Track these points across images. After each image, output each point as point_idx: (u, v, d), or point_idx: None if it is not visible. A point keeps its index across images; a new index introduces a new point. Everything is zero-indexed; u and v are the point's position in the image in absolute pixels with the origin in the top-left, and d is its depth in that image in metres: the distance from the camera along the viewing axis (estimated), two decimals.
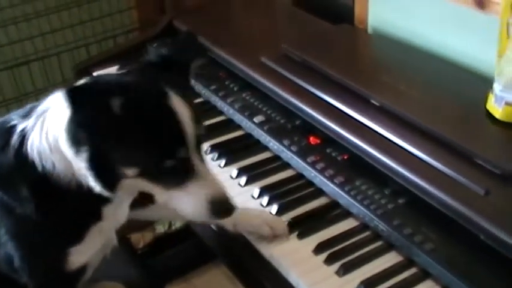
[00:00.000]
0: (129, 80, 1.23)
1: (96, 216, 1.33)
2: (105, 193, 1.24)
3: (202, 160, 1.23)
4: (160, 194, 1.23)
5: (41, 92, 2.53)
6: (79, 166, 1.22)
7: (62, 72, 2.64)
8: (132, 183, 1.23)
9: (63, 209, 1.29)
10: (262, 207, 1.53)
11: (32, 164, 1.25)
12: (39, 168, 1.25)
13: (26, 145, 1.26)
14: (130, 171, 1.19)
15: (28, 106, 1.33)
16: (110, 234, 1.47)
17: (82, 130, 1.16)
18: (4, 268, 1.38)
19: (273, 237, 1.42)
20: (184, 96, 1.22)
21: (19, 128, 1.28)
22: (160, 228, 2.73)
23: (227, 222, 1.46)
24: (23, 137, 1.27)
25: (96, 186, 1.22)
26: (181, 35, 1.52)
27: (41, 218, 1.29)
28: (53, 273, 1.39)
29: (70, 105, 1.12)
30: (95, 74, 2.13)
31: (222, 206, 1.24)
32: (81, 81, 1.23)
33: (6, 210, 1.31)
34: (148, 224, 2.65)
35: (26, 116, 1.30)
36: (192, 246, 2.54)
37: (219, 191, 1.24)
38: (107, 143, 1.17)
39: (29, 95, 2.55)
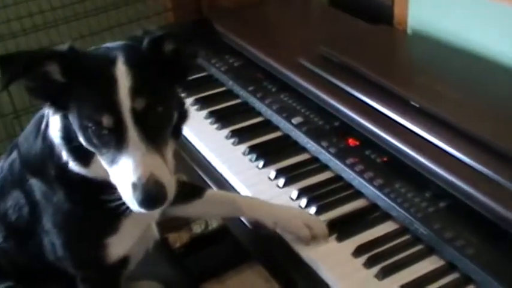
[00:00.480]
0: (88, 50, 1.25)
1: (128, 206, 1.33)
2: (80, 169, 1.26)
3: (148, 140, 1.15)
4: (109, 171, 1.19)
5: None
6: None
7: None
8: (98, 159, 1.22)
9: (92, 198, 1.30)
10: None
11: (54, 148, 1.29)
12: (56, 148, 1.28)
13: (48, 131, 1.30)
14: (80, 137, 1.20)
15: None
16: (149, 227, 1.48)
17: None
18: (51, 257, 1.41)
19: (311, 239, 1.42)
20: (147, 70, 1.19)
21: (46, 112, 1.32)
22: (197, 228, 2.74)
23: (268, 221, 1.46)
24: (47, 124, 1.31)
25: (70, 160, 1.25)
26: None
27: (73, 207, 1.31)
28: (95, 264, 1.41)
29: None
30: None
31: (147, 191, 1.13)
32: None
33: (45, 198, 1.35)
34: (185, 224, 2.66)
35: None
36: (228, 246, 2.54)
37: (148, 172, 1.13)
38: (58, 109, 1.21)
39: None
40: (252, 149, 1.73)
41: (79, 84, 1.17)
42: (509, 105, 1.62)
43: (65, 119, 1.24)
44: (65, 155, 1.26)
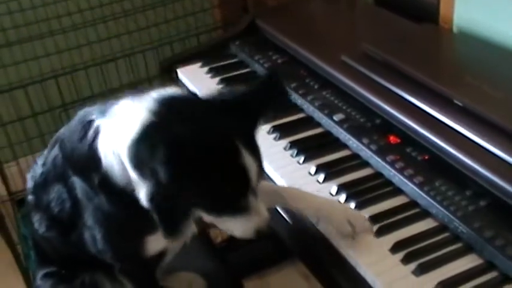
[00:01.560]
0: (202, 127, 1.24)
1: None
2: (167, 237, 1.31)
3: (256, 194, 1.27)
4: (217, 222, 1.29)
5: (126, 88, 2.60)
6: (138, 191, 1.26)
7: (147, 69, 2.71)
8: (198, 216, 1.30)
9: (134, 205, 1.31)
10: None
11: (101, 163, 1.30)
12: (104, 166, 1.30)
13: (97, 142, 1.31)
14: (197, 214, 1.28)
15: (108, 102, 1.36)
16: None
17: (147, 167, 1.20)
18: (92, 249, 1.45)
19: (353, 236, 1.41)
20: (251, 141, 1.27)
21: (95, 124, 1.33)
22: None
23: (310, 213, 1.47)
24: (97, 133, 1.32)
25: (157, 221, 1.27)
26: (264, 74, 1.53)
27: (113, 210, 1.35)
28: (133, 259, 1.46)
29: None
30: (178, 72, 2.18)
31: (260, 230, 1.29)
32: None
33: (87, 196, 1.38)
34: None
35: (103, 113, 1.34)
36: (269, 243, 2.55)
37: (264, 221, 1.28)
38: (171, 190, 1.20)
39: (115, 91, 2.63)
40: (293, 145, 1.74)
41: (200, 173, 1.18)
42: None
43: (158, 187, 1.20)
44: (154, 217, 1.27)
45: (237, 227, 1.28)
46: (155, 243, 1.42)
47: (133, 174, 1.24)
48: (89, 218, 1.40)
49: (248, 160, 1.22)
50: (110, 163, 1.28)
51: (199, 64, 2.21)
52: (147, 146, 1.18)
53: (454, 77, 1.76)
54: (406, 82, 1.72)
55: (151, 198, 1.21)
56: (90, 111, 1.38)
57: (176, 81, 2.18)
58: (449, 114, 1.57)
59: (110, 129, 1.30)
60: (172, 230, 1.29)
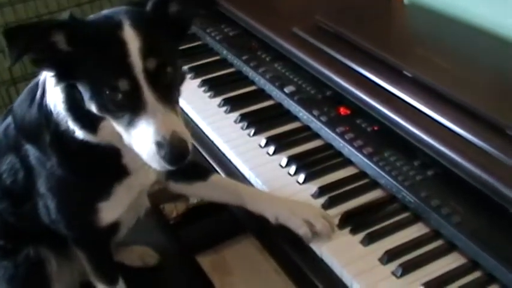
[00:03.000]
0: (90, 17, 1.24)
1: (122, 172, 1.35)
2: (88, 136, 1.26)
3: (163, 99, 1.17)
4: (124, 134, 1.21)
5: None
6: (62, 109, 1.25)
7: None
8: (107, 125, 1.23)
9: (86, 164, 1.32)
10: (299, 185, 1.51)
11: (51, 114, 1.29)
12: (55, 116, 1.28)
13: (45, 98, 1.30)
14: (91, 106, 1.19)
15: None
16: (140, 195, 1.49)
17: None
18: (45, 219, 1.43)
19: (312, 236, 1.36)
20: (153, 31, 1.20)
21: (40, 81, 1.33)
22: (194, 199, 2.75)
23: (269, 215, 1.42)
24: (44, 89, 1.31)
25: (76, 127, 1.25)
26: None
27: (66, 173, 1.33)
28: (86, 228, 1.43)
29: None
30: None
31: (173, 148, 1.15)
32: None
33: (40, 163, 1.36)
34: (181, 195, 2.67)
35: None
36: (224, 217, 2.54)
37: (171, 130, 1.15)
38: (64, 78, 1.20)
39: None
40: (244, 117, 1.74)
41: (87, 52, 1.17)
42: (502, 76, 1.61)
43: (68, 89, 1.24)
44: (69, 124, 1.26)
45: (139, 141, 1.18)
46: (108, 211, 1.39)
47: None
48: (41, 186, 1.38)
49: (129, 35, 1.15)
50: (59, 111, 1.27)
51: None
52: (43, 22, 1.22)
53: (404, 49, 1.76)
54: (357, 54, 1.71)
55: (66, 98, 1.22)
56: (38, 77, 1.37)
57: None
58: (399, 85, 1.57)
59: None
60: (90, 129, 1.25)
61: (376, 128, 1.56)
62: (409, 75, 1.60)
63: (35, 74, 1.38)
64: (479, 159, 1.33)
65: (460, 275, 1.23)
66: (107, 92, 1.15)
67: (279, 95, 1.77)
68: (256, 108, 1.79)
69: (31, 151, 1.38)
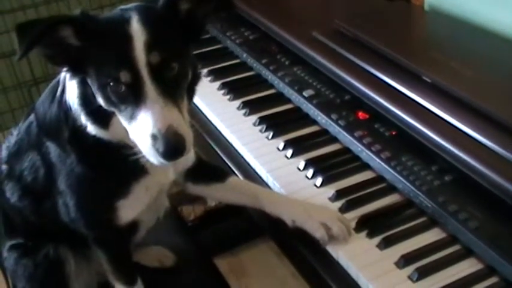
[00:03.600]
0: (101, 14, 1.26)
1: (140, 171, 1.36)
2: (99, 132, 1.28)
3: (165, 94, 1.17)
4: (129, 129, 1.22)
5: None
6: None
7: None
8: (118, 121, 1.24)
9: (104, 161, 1.34)
10: (316, 189, 1.51)
11: (70, 112, 1.31)
12: (73, 113, 1.31)
13: (65, 94, 1.32)
14: (98, 99, 1.22)
15: None
16: (160, 195, 1.51)
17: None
18: (64, 217, 1.45)
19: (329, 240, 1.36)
20: (161, 28, 1.21)
21: (61, 79, 1.35)
22: (211, 202, 2.76)
23: (287, 218, 1.42)
24: (64, 87, 1.33)
25: (88, 123, 1.27)
26: None
27: (85, 169, 1.35)
28: (105, 227, 1.45)
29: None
30: None
31: (168, 142, 1.15)
32: None
33: (60, 160, 1.38)
34: (199, 197, 2.68)
35: None
36: (242, 220, 2.55)
37: (167, 123, 1.15)
38: (76, 72, 1.23)
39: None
40: (262, 120, 1.74)
41: (94, 45, 1.19)
42: None
43: (82, 84, 1.26)
44: (83, 119, 1.28)
45: (136, 132, 1.19)
46: (126, 210, 1.41)
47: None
48: (61, 183, 1.40)
49: (135, 30, 1.16)
50: (76, 107, 1.29)
51: None
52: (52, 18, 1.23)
53: (423, 54, 1.76)
54: (376, 59, 1.72)
55: (80, 94, 1.25)
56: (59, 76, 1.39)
57: None
58: (418, 91, 1.57)
59: None
60: (101, 125, 1.28)
61: (394, 133, 1.57)
62: (428, 80, 1.60)
63: (56, 74, 1.40)
64: (497, 164, 1.33)
65: (476, 281, 1.23)
66: (111, 84, 1.17)
67: (297, 99, 1.78)
68: (275, 111, 1.79)
69: (52, 148, 1.40)
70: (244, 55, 2.02)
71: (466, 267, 1.26)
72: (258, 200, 1.49)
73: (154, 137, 1.15)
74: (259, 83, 1.92)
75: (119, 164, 1.35)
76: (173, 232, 2.07)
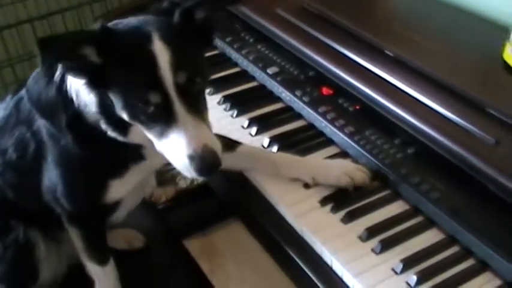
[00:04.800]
0: (119, 28, 1.23)
1: (138, 157, 1.36)
2: (118, 137, 1.28)
3: (193, 111, 1.18)
4: (156, 143, 1.23)
5: None
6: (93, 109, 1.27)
7: (81, 26, 2.64)
8: (138, 129, 1.24)
9: (103, 149, 1.33)
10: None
11: (71, 101, 1.30)
12: (76, 105, 1.30)
13: (66, 82, 1.30)
14: (123, 115, 1.21)
15: None
16: (149, 176, 1.51)
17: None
18: (47, 196, 1.44)
19: (353, 188, 1.40)
20: (182, 42, 1.20)
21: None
22: (182, 184, 2.75)
23: (304, 176, 1.44)
24: (63, 75, 1.31)
25: (108, 129, 1.27)
26: None
27: (79, 151, 1.34)
28: (91, 203, 1.44)
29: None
30: None
31: (204, 161, 1.17)
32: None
33: (53, 139, 1.37)
34: (170, 179, 2.67)
35: None
36: (213, 201, 2.55)
37: (202, 143, 1.17)
38: (98, 88, 1.22)
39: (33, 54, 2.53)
40: (227, 99, 1.74)
41: (118, 64, 1.18)
42: (482, 53, 1.61)
43: (100, 94, 1.24)
44: (102, 125, 1.28)
45: (171, 151, 1.20)
46: (117, 188, 1.40)
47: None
48: (52, 162, 1.39)
49: (159, 49, 1.16)
50: (82, 100, 1.28)
51: None
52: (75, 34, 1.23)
53: (386, 29, 1.77)
54: (340, 34, 1.72)
55: (99, 103, 1.24)
56: None
57: None
58: (380, 65, 1.58)
59: None
60: (121, 132, 1.28)
61: (358, 108, 1.57)
62: (391, 54, 1.60)
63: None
64: (458, 136, 1.34)
65: (438, 250, 1.24)
66: (139, 105, 1.17)
67: (262, 76, 1.77)
68: (240, 89, 1.79)
69: (45, 127, 1.39)
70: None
71: (429, 238, 1.28)
72: (274, 164, 1.48)
73: (191, 157, 1.16)
74: (223, 61, 1.91)
75: (116, 149, 1.34)
76: (143, 214, 2.06)
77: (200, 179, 2.67)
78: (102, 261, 1.56)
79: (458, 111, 1.39)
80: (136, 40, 1.19)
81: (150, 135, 1.22)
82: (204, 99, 1.26)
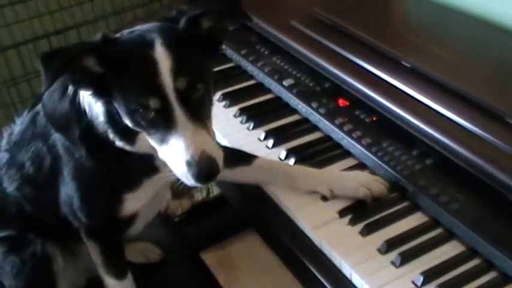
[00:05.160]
0: (121, 36, 1.24)
1: (152, 170, 1.37)
2: (126, 146, 1.29)
3: (193, 117, 1.18)
4: (158, 149, 1.23)
5: None
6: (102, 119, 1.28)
7: None
8: (144, 138, 1.24)
9: (117, 161, 1.34)
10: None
11: (84, 113, 1.31)
12: (89, 117, 1.31)
13: (78, 95, 1.32)
14: (127, 121, 1.21)
15: None
16: (164, 189, 1.51)
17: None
18: (64, 209, 1.45)
19: (372, 199, 1.40)
20: (185, 49, 1.20)
21: None
22: (198, 196, 2.76)
23: (322, 189, 1.43)
24: (77, 90, 1.32)
25: (115, 139, 1.28)
26: None
27: (92, 163, 1.35)
28: (105, 217, 1.45)
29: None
30: None
31: (202, 167, 1.16)
32: None
33: (68, 152, 1.39)
34: (186, 192, 2.68)
35: None
36: (229, 213, 2.54)
37: (200, 149, 1.17)
38: (103, 97, 1.23)
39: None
40: (243, 111, 1.74)
41: (119, 72, 1.19)
42: (500, 64, 1.61)
43: (107, 104, 1.25)
44: (110, 135, 1.29)
45: (170, 157, 1.20)
46: (132, 201, 1.41)
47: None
48: (68, 176, 1.40)
49: (160, 55, 1.16)
50: (94, 111, 1.29)
51: None
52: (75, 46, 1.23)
53: (402, 39, 1.76)
54: (355, 45, 1.72)
55: (106, 112, 1.24)
56: None
57: None
58: (397, 76, 1.57)
59: None
60: (128, 141, 1.28)
61: (374, 119, 1.56)
62: (407, 65, 1.60)
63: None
64: (476, 146, 1.33)
65: (458, 263, 1.23)
66: (140, 110, 1.18)
67: (277, 89, 1.77)
68: (255, 102, 1.79)
69: (59, 141, 1.40)
70: (223, 46, 2.01)
71: (448, 250, 1.26)
72: (291, 177, 1.47)
73: (188, 163, 1.16)
74: (239, 74, 1.91)
75: (130, 162, 1.35)
76: (160, 227, 2.06)
77: (215, 192, 2.70)
78: (120, 275, 1.56)
79: (477, 121, 1.38)
80: (137, 46, 1.19)
81: (152, 142, 1.22)
82: (208, 106, 1.25)
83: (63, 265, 1.59)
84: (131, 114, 1.20)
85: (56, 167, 1.43)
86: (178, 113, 1.16)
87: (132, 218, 1.49)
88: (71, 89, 1.33)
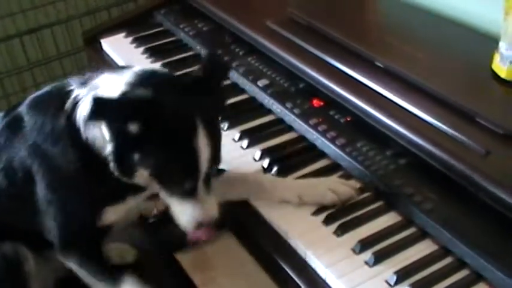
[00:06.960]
0: (159, 101, 1.24)
1: (139, 188, 1.36)
2: (123, 178, 1.29)
3: (207, 189, 1.29)
4: (167, 200, 1.31)
5: (53, 60, 2.55)
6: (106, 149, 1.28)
7: (70, 39, 2.64)
8: (143, 173, 1.26)
9: (106, 180, 1.32)
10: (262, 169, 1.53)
11: (79, 131, 1.30)
12: (83, 136, 1.30)
13: (76, 112, 1.31)
14: (144, 173, 1.25)
15: (88, 74, 1.37)
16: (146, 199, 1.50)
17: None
18: (39, 217, 1.42)
19: (342, 204, 1.40)
20: (212, 123, 1.28)
21: (74, 94, 1.33)
22: None
23: (291, 197, 1.43)
24: (75, 104, 1.32)
25: (114, 171, 1.28)
26: (204, 56, 1.56)
27: (83, 179, 1.35)
28: (84, 228, 1.43)
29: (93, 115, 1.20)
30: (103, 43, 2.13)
31: (205, 225, 1.31)
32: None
33: (51, 164, 1.36)
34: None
35: (83, 84, 1.34)
36: None
37: (209, 216, 1.30)
38: (127, 150, 1.24)
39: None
40: None
41: (159, 143, 1.22)
42: (471, 63, 1.62)
43: (121, 147, 1.25)
44: (111, 166, 1.28)
45: (182, 213, 1.30)
46: (112, 213, 1.40)
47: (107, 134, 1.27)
48: (46, 188, 1.38)
49: (202, 142, 1.22)
50: (91, 132, 1.29)
51: (123, 34, 2.17)
52: (125, 105, 1.22)
53: (375, 39, 1.78)
54: (330, 46, 1.72)
55: (114, 150, 1.25)
56: (68, 83, 1.38)
57: (100, 52, 2.13)
58: (371, 76, 1.58)
59: (89, 100, 1.27)
60: (127, 175, 1.29)
61: (349, 119, 1.57)
62: (381, 66, 1.61)
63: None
64: (450, 147, 1.34)
65: (431, 262, 1.24)
66: (171, 183, 1.27)
67: (252, 89, 1.77)
68: (230, 102, 1.77)
69: (41, 151, 1.37)
70: (198, 47, 2.01)
71: (421, 250, 1.27)
72: (261, 187, 1.47)
73: (199, 224, 1.30)
74: None
75: (117, 180, 1.33)
76: (134, 228, 2.05)
77: None
78: (116, 280, 1.50)
79: (449, 121, 1.40)
80: (181, 123, 1.23)
81: (164, 196, 1.31)
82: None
83: (34, 266, 1.56)
84: (159, 181, 1.26)
85: (31, 177, 1.39)
86: (200, 187, 1.27)
87: (110, 226, 1.47)
88: (69, 104, 1.32)
